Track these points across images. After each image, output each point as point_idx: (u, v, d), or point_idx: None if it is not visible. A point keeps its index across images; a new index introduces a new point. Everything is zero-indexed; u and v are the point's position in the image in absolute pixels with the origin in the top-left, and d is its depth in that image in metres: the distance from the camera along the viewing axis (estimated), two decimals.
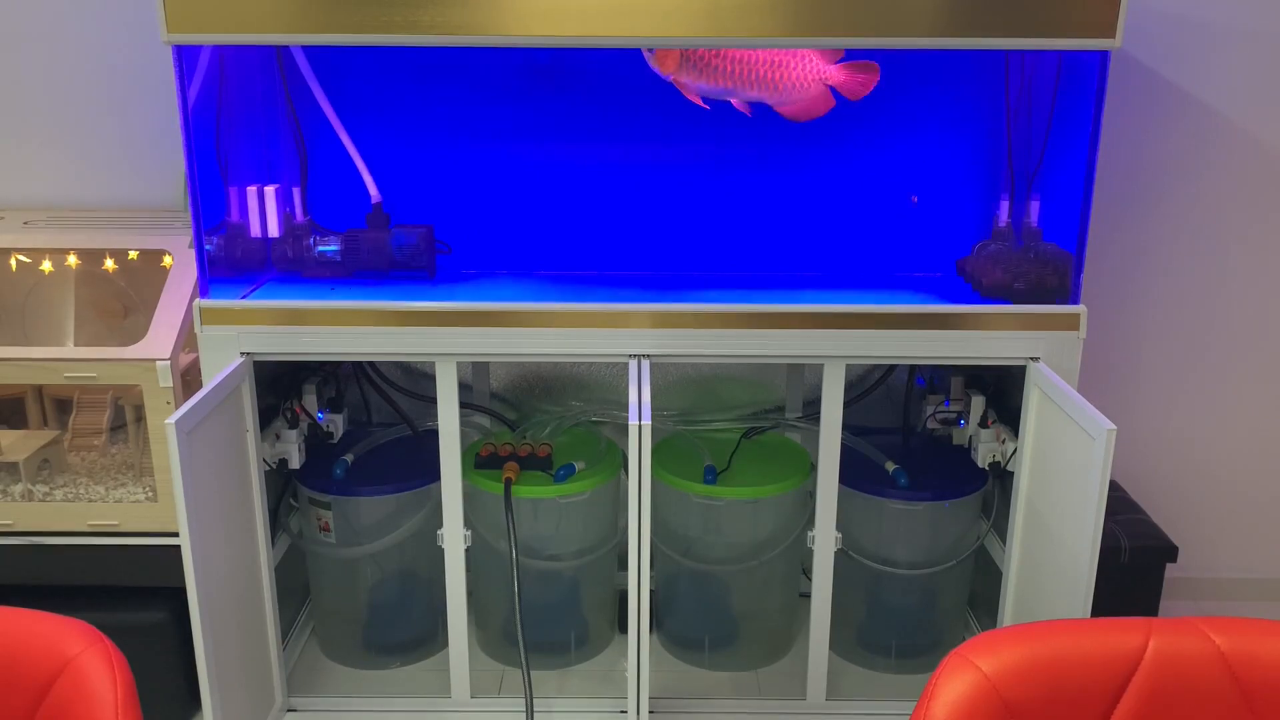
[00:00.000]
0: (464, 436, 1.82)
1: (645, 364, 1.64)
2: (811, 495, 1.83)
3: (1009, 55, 1.87)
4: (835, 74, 1.62)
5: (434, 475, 1.78)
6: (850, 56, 1.66)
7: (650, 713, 1.74)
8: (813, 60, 1.60)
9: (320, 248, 1.84)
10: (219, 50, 1.72)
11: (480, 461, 1.85)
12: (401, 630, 2.00)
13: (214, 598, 1.55)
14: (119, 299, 2.01)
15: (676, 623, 2.04)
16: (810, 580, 1.85)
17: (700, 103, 1.62)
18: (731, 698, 1.92)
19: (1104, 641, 1.06)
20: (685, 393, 2.13)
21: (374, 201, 1.88)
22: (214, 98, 1.73)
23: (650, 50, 1.60)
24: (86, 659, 1.04)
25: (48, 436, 1.91)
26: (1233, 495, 2.33)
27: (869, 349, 1.69)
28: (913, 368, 2.04)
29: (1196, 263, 2.17)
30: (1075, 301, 1.69)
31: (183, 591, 1.51)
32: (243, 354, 1.68)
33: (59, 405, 1.98)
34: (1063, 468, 1.57)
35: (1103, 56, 1.58)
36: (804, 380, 2.09)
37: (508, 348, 1.68)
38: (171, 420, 1.41)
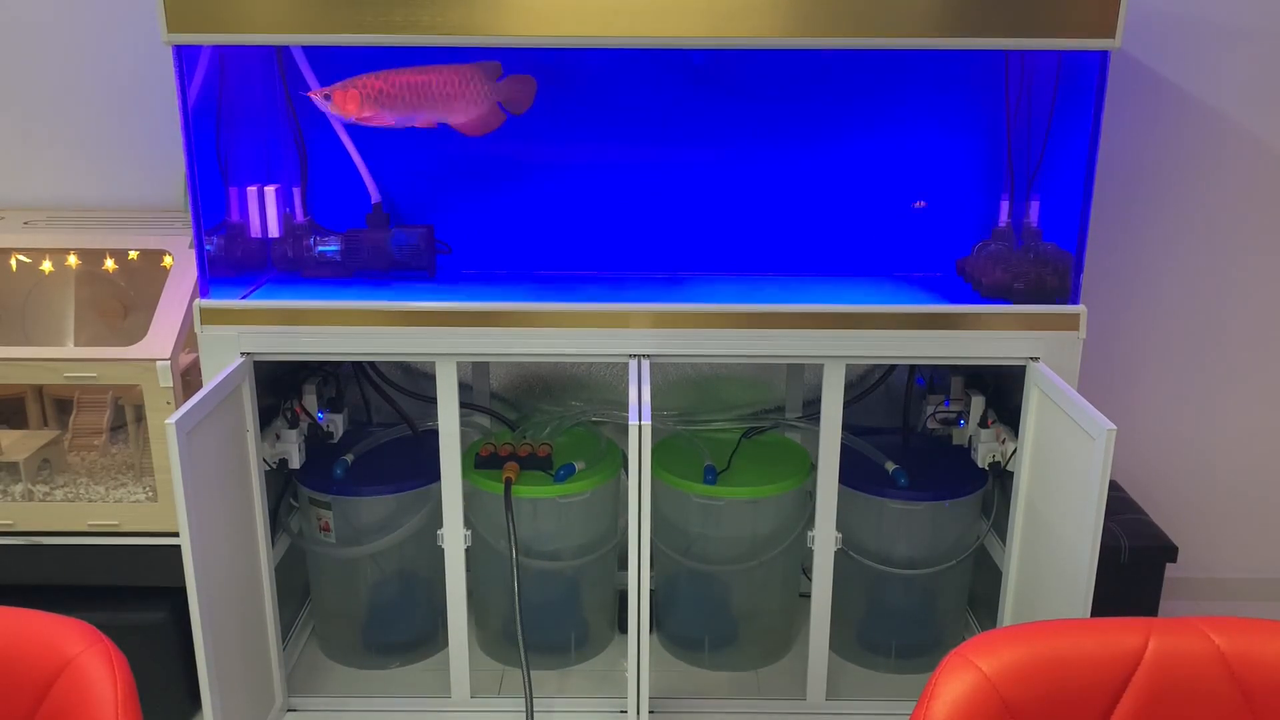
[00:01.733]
0: (464, 436, 1.82)
1: (645, 364, 1.64)
2: (811, 495, 1.83)
3: (1009, 55, 1.87)
4: (499, 90, 1.75)
5: (434, 475, 1.78)
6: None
7: (650, 713, 1.74)
8: (475, 78, 1.73)
9: (320, 248, 1.84)
10: (219, 50, 1.72)
11: (480, 461, 1.85)
12: (401, 630, 2.00)
13: (214, 598, 1.55)
14: (119, 299, 2.01)
15: (676, 623, 2.04)
16: (810, 580, 1.85)
17: (394, 125, 1.73)
18: (731, 698, 1.92)
19: (1104, 641, 1.06)
20: (685, 393, 2.13)
21: (374, 201, 1.88)
22: (214, 98, 1.73)
23: (327, 97, 1.67)
24: (86, 659, 1.04)
25: (48, 436, 1.91)
26: (1233, 495, 2.33)
27: (869, 349, 1.69)
28: (913, 368, 2.04)
29: (1197, 262, 2.17)
30: (1075, 301, 1.69)
31: (183, 591, 1.51)
32: (243, 354, 1.68)
33: (59, 405, 1.98)
34: (1063, 468, 1.57)
35: (1102, 56, 1.58)
36: (804, 380, 2.09)
37: (508, 348, 1.68)
38: (171, 420, 1.41)
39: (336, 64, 1.85)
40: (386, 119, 1.69)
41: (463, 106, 1.72)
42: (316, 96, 1.68)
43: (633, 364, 1.66)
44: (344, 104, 1.67)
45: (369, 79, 1.68)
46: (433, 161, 1.94)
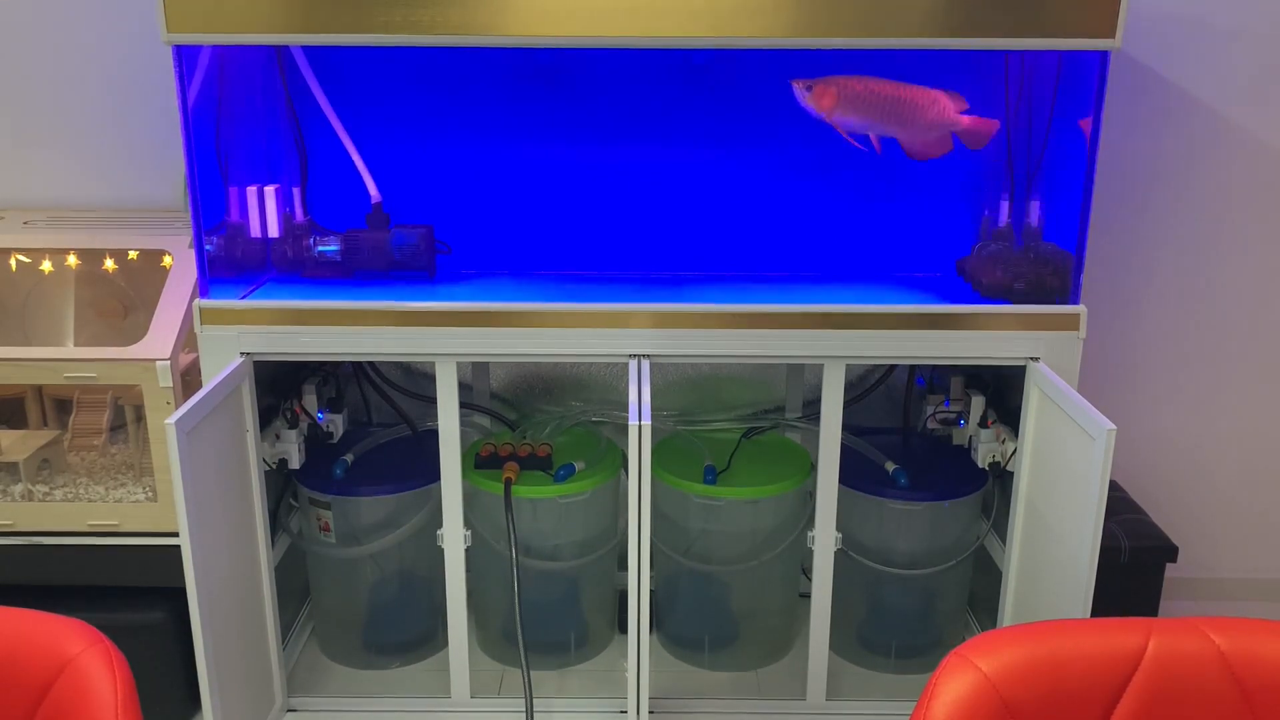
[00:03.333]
0: (464, 436, 1.82)
1: (645, 364, 1.64)
2: (811, 495, 1.83)
3: (1009, 55, 1.87)
4: (963, 122, 1.74)
5: (434, 475, 1.78)
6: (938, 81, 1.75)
7: (650, 713, 1.73)
8: (946, 106, 1.71)
9: (320, 248, 1.84)
10: (219, 50, 1.72)
11: (480, 461, 1.85)
12: (401, 630, 2.00)
13: (214, 598, 1.55)
14: (119, 299, 2.01)
15: (676, 623, 2.04)
16: (810, 580, 1.85)
17: (854, 142, 1.73)
18: (731, 698, 1.92)
19: (1104, 641, 1.06)
20: (685, 393, 2.13)
21: (374, 201, 1.88)
22: (214, 98, 1.73)
23: (808, 88, 1.66)
24: (86, 659, 1.04)
25: (48, 436, 1.91)
26: (1233, 495, 2.33)
27: (869, 349, 1.69)
28: (913, 368, 2.04)
29: (1197, 262, 2.17)
30: (1075, 301, 1.69)
31: (183, 591, 1.51)
32: (243, 354, 1.68)
33: (59, 405, 1.98)
34: (1063, 468, 1.57)
35: (1102, 57, 1.58)
36: (804, 380, 2.09)
37: (508, 348, 1.68)
38: (171, 420, 1.41)
39: (338, 64, 1.86)
40: (851, 123, 1.69)
41: (924, 129, 1.72)
42: (799, 86, 1.67)
43: (633, 364, 1.66)
44: (821, 99, 1.66)
45: (851, 81, 1.67)
46: (433, 161, 1.94)
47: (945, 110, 1.71)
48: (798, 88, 1.67)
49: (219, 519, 1.58)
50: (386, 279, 1.85)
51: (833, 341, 1.68)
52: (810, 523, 1.82)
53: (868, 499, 1.88)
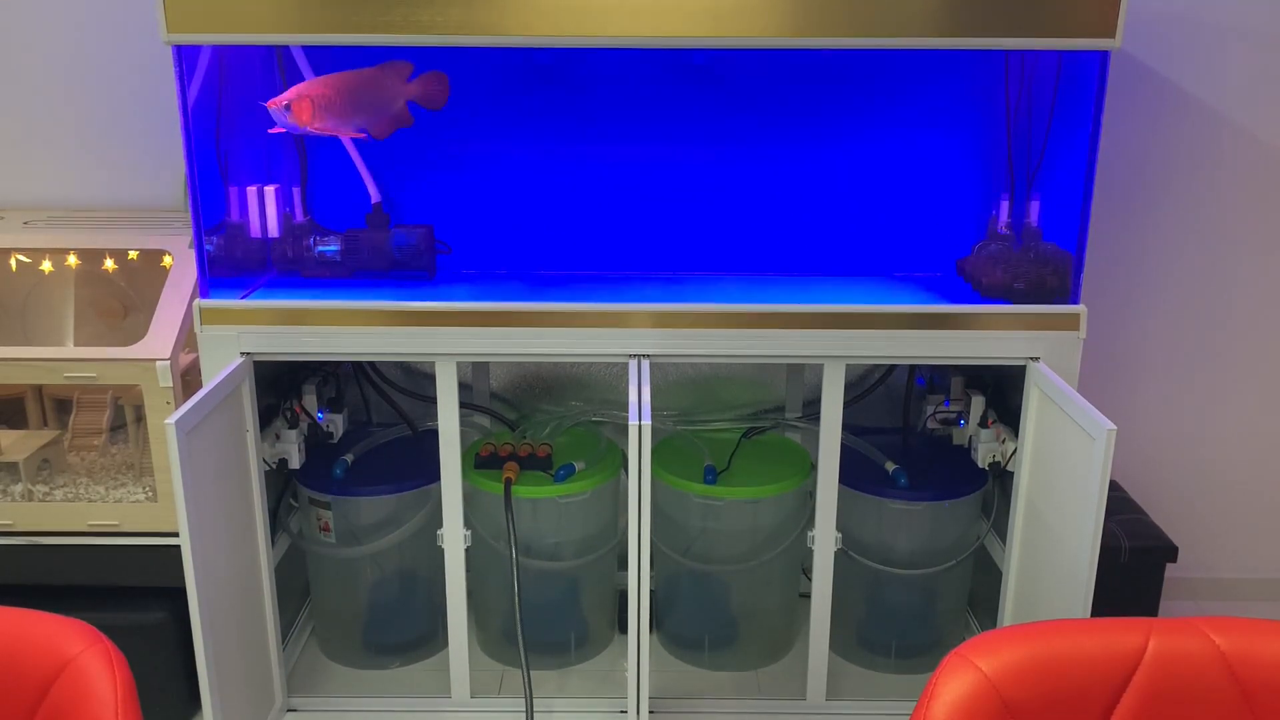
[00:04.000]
0: (464, 436, 1.82)
1: (645, 364, 1.64)
2: (811, 495, 1.83)
3: (1009, 55, 1.87)
4: (412, 89, 1.75)
5: (434, 475, 1.78)
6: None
7: (650, 713, 1.74)
8: (391, 80, 1.73)
9: (320, 248, 1.84)
10: (219, 50, 1.72)
11: (480, 461, 1.85)
12: (401, 630, 2.00)
13: (214, 598, 1.55)
14: (119, 299, 2.01)
15: (676, 623, 2.04)
16: (810, 580, 1.85)
17: (335, 133, 1.72)
18: (731, 698, 1.92)
19: (1104, 641, 1.06)
20: (685, 393, 2.13)
21: (374, 201, 1.88)
22: (214, 98, 1.73)
23: (286, 107, 1.63)
24: (86, 659, 1.04)
25: (48, 436, 1.91)
26: (1233, 495, 2.33)
27: (869, 349, 1.69)
28: (913, 368, 2.04)
29: (1197, 262, 2.17)
30: (1075, 301, 1.69)
31: (183, 591, 1.51)
32: (243, 354, 1.68)
33: (59, 405, 1.98)
34: (1063, 468, 1.57)
35: (1102, 56, 1.58)
36: (804, 380, 2.09)
37: (508, 348, 1.68)
38: (171, 420, 1.41)
39: (337, 64, 1.86)
40: (330, 124, 1.68)
41: (379, 111, 1.73)
42: (276, 109, 1.63)
43: (633, 364, 1.66)
44: (301, 113, 1.65)
45: (313, 85, 1.65)
46: (433, 161, 1.94)
47: (392, 84, 1.72)
48: (276, 110, 1.63)
49: (219, 519, 1.58)
50: (386, 279, 1.85)
51: (833, 341, 1.68)
52: (810, 523, 1.82)
53: (868, 499, 1.88)
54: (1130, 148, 2.09)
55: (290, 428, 1.85)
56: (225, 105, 1.75)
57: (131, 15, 2.00)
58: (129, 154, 2.08)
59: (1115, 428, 1.41)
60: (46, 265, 1.98)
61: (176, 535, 1.53)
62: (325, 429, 1.94)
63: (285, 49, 1.84)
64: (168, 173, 2.08)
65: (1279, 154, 2.10)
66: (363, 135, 1.72)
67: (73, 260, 1.98)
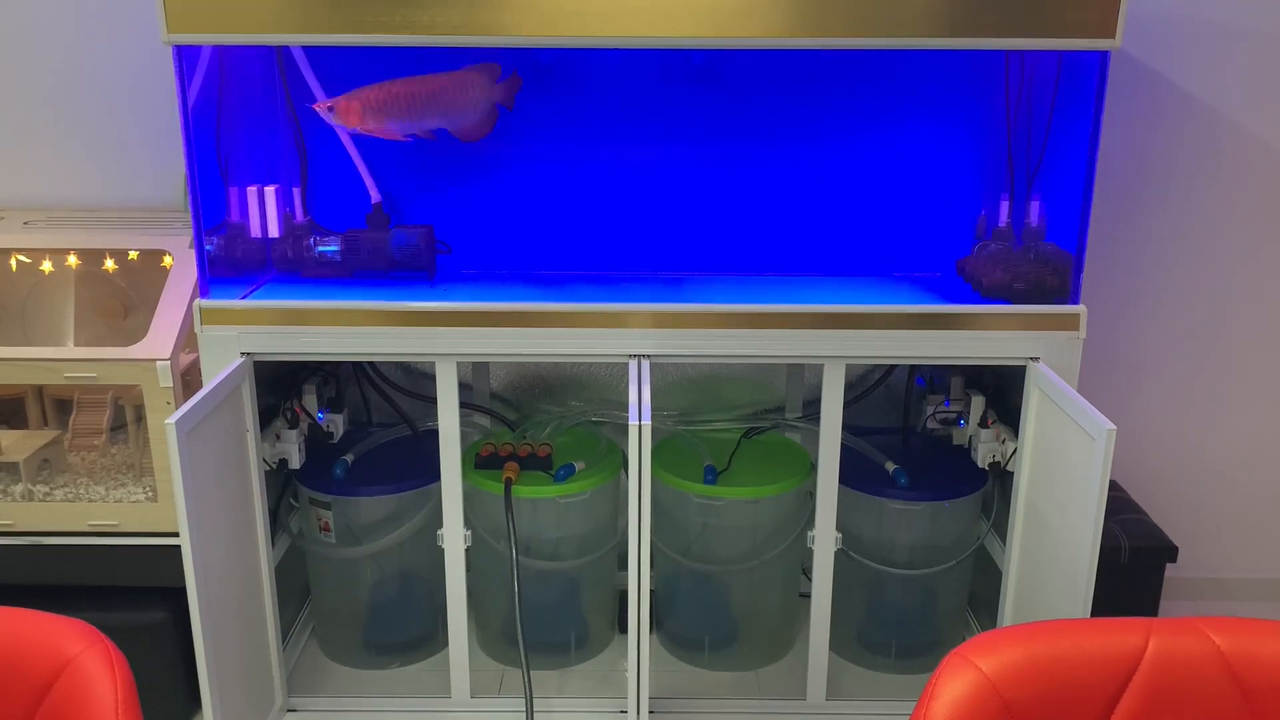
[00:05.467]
0: (464, 436, 1.82)
1: (645, 364, 1.64)
2: (811, 495, 1.83)
3: (1009, 55, 1.87)
4: (501, 91, 1.78)
5: (434, 475, 1.78)
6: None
7: (650, 713, 1.74)
8: (480, 83, 1.75)
9: (320, 248, 1.84)
10: (219, 50, 1.72)
11: (480, 461, 1.85)
12: (401, 630, 2.00)
13: (214, 598, 1.55)
14: (119, 299, 2.01)
15: (676, 623, 2.04)
16: (810, 580, 1.85)
17: (402, 138, 1.75)
18: (731, 698, 1.92)
19: (1104, 641, 1.06)
20: (685, 393, 2.13)
21: (374, 201, 1.88)
22: (214, 98, 1.73)
23: (330, 109, 1.69)
24: (86, 659, 1.04)
25: (48, 436, 1.91)
26: (1233, 495, 2.33)
27: (869, 349, 1.69)
28: (913, 368, 2.04)
29: (1197, 262, 2.17)
30: (1075, 301, 1.69)
31: (183, 591, 1.51)
32: (243, 354, 1.68)
33: (59, 405, 1.98)
34: (1063, 468, 1.57)
35: (1102, 56, 1.58)
36: (804, 380, 2.09)
37: (508, 348, 1.69)
38: (171, 420, 1.41)
39: (337, 64, 1.86)
40: (391, 127, 1.71)
41: (463, 112, 1.74)
42: (321, 109, 1.70)
43: (633, 364, 1.66)
44: (346, 116, 1.69)
45: (370, 91, 1.69)
46: (433, 161, 1.94)
47: (481, 86, 1.75)
48: (321, 111, 1.70)
49: (219, 519, 1.58)
50: (386, 279, 1.85)
51: (833, 341, 1.68)
52: (810, 523, 1.82)
53: (868, 499, 1.88)
54: (1130, 148, 2.09)
55: (290, 428, 1.85)
56: (225, 105, 1.75)
57: (131, 15, 2.00)
58: (129, 154, 2.08)
59: (1115, 428, 1.41)
60: (46, 265, 1.98)
61: (176, 535, 1.53)
62: (325, 429, 1.94)
63: (285, 49, 1.84)
64: (168, 173, 2.08)
65: (1279, 154, 2.10)
66: (431, 137, 1.74)
67: (73, 260, 1.98)
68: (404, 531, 1.89)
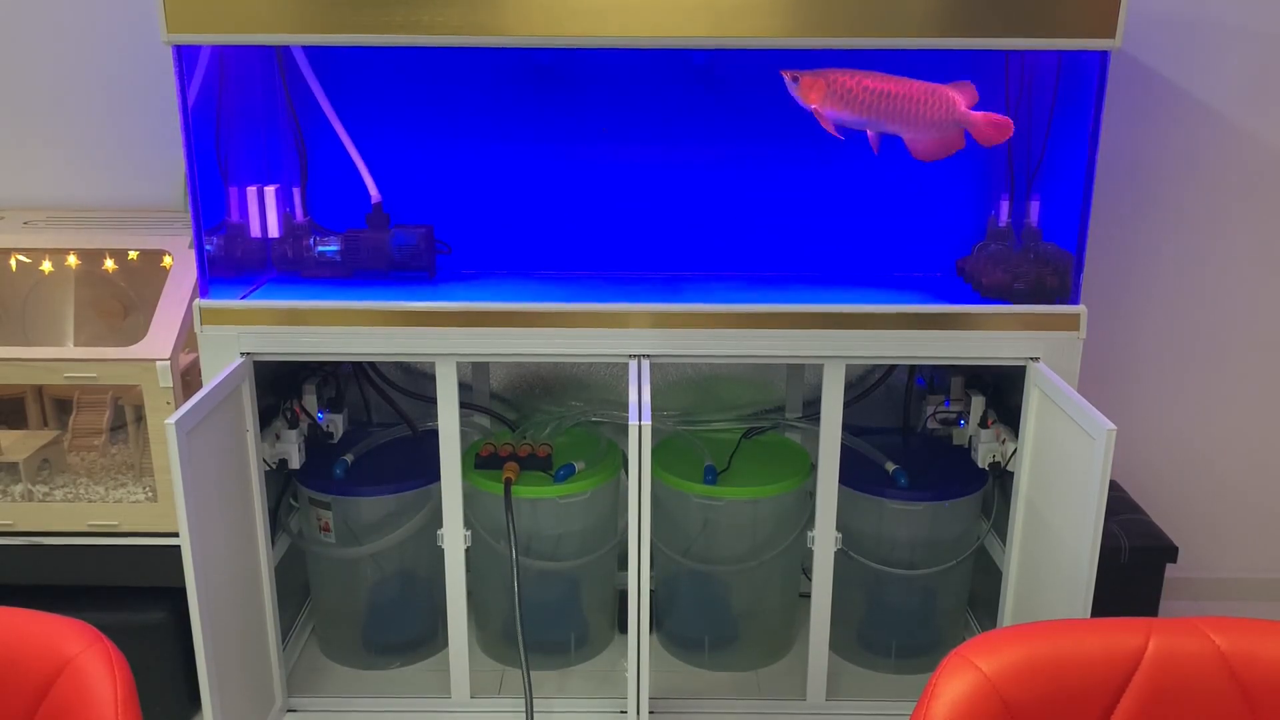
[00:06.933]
0: (464, 436, 1.82)
1: (645, 364, 1.64)
2: (811, 495, 1.83)
3: (1009, 55, 1.87)
4: (974, 118, 1.64)
5: (434, 475, 1.78)
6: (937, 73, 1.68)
7: (650, 713, 1.74)
8: (953, 102, 1.62)
9: (320, 248, 1.84)
10: (219, 50, 1.72)
11: (480, 461, 1.85)
12: (401, 630, 2.00)
13: (214, 598, 1.55)
14: (119, 299, 2.01)
15: (676, 623, 2.04)
16: (810, 580, 1.85)
17: (835, 134, 1.65)
18: (731, 698, 1.92)
19: (1104, 641, 1.06)
20: (685, 393, 2.13)
21: (374, 201, 1.88)
22: (214, 98, 1.73)
23: (795, 79, 1.61)
24: (86, 659, 1.04)
25: (48, 436, 1.91)
26: (1233, 495, 2.33)
27: (869, 349, 1.69)
28: (913, 368, 2.04)
29: (1197, 263, 2.17)
30: (1075, 301, 1.69)
31: (183, 591, 1.51)
32: (243, 354, 1.68)
33: (59, 405, 1.98)
34: (1063, 468, 1.57)
35: (1102, 57, 1.58)
36: (804, 380, 2.09)
37: (508, 348, 1.69)
38: (171, 420, 1.41)
39: (337, 64, 1.86)
40: (842, 118, 1.62)
41: (929, 126, 1.63)
42: (787, 77, 1.61)
43: (633, 364, 1.66)
44: (809, 91, 1.60)
45: (842, 75, 1.60)
46: (433, 161, 1.94)
47: (953, 106, 1.62)
48: (786, 78, 1.63)
49: (219, 519, 1.59)
50: (386, 279, 1.85)
51: (833, 341, 1.68)
52: (810, 522, 1.82)
53: (868, 499, 1.88)
54: (1130, 148, 2.09)
55: (290, 428, 1.85)
56: (225, 105, 1.75)
57: (131, 15, 2.00)
58: (129, 154, 2.08)
59: (1115, 428, 1.41)
60: (46, 265, 1.98)
61: (176, 535, 1.53)
62: (325, 429, 1.94)
63: (285, 49, 1.84)
64: (168, 173, 2.08)
65: (1278, 155, 2.10)
66: (875, 144, 1.64)
67: (73, 260, 1.98)
68: (404, 531, 1.89)
